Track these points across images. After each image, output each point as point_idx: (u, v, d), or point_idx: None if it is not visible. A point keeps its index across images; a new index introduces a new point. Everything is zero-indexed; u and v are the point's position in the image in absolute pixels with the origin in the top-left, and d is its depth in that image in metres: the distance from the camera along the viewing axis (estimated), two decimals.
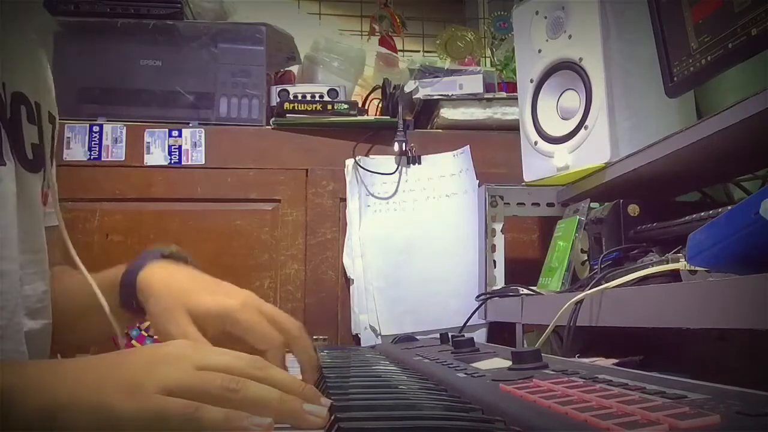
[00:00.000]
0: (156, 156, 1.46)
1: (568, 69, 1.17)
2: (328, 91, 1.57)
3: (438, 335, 0.98)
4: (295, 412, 0.49)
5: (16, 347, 0.67)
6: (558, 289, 1.13)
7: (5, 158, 0.65)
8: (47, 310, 0.73)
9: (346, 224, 1.48)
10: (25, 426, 0.44)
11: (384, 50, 1.88)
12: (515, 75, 1.41)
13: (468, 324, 1.29)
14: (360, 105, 1.58)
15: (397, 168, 1.50)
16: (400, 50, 2.01)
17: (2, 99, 0.66)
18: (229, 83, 1.51)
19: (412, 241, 1.47)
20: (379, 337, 1.40)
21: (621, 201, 1.05)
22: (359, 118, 1.51)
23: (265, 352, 0.66)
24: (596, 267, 0.99)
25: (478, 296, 1.31)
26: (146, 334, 1.23)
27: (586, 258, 1.15)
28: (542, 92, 1.22)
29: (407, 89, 1.55)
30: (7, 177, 0.65)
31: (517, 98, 1.31)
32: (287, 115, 1.49)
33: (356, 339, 1.43)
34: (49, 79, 0.79)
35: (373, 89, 1.66)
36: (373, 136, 1.52)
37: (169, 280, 0.73)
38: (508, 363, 0.59)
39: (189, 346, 0.54)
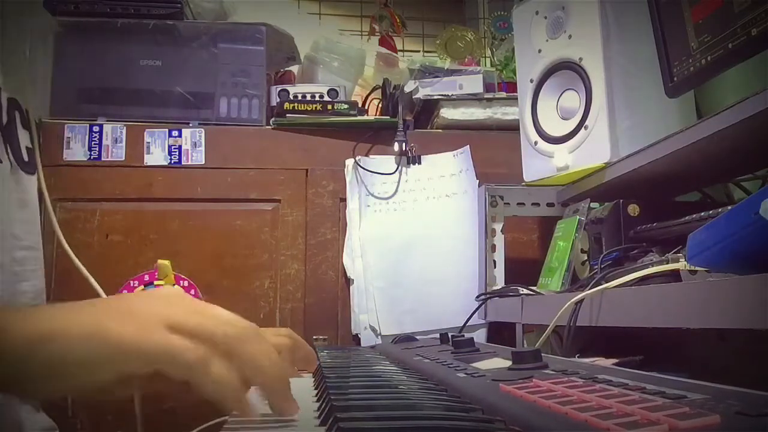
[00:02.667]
0: (156, 156, 1.46)
1: (568, 69, 1.17)
2: (328, 91, 1.57)
3: (438, 335, 0.98)
4: (283, 387, 0.48)
5: None
6: (558, 289, 1.13)
7: (1, 157, 0.67)
8: None
9: (346, 224, 1.48)
10: (14, 354, 0.39)
11: (384, 50, 1.88)
12: (515, 75, 1.41)
13: (468, 324, 1.29)
14: (360, 105, 1.58)
15: (397, 168, 1.50)
16: (400, 50, 2.01)
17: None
18: (229, 83, 1.51)
19: (412, 241, 1.47)
20: (379, 337, 1.40)
21: (621, 201, 1.05)
22: (359, 118, 1.51)
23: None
24: (596, 267, 0.99)
25: (478, 296, 1.31)
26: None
27: (586, 258, 1.15)
28: (542, 92, 1.22)
29: (407, 89, 1.55)
30: (4, 174, 0.67)
31: (517, 98, 1.31)
32: (287, 115, 1.49)
33: (356, 339, 1.43)
34: (35, 82, 0.80)
35: (373, 89, 1.66)
36: (373, 136, 1.52)
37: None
38: (508, 363, 0.59)
39: (190, 295, 0.51)
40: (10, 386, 0.41)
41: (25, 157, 0.73)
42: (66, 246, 0.77)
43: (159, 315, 0.43)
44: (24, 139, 0.74)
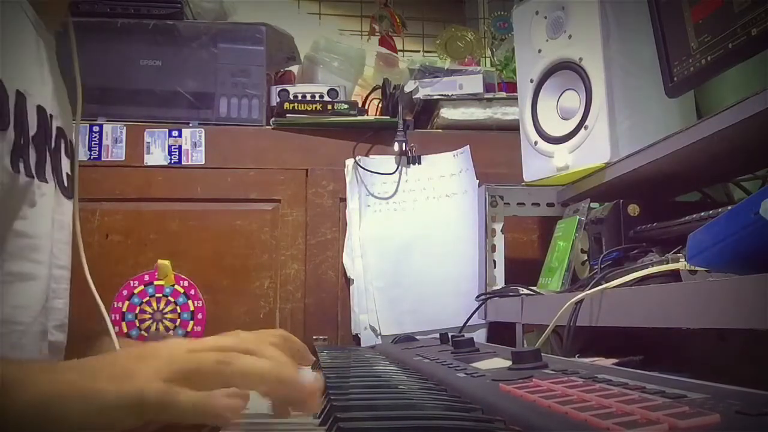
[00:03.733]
0: (156, 156, 1.46)
1: (568, 69, 1.17)
2: (328, 91, 1.57)
3: (438, 335, 0.98)
4: (290, 379, 0.51)
5: (36, 350, 0.71)
6: (558, 289, 1.13)
7: (47, 177, 0.73)
8: (66, 328, 0.77)
9: (346, 224, 1.48)
10: (21, 418, 0.45)
11: (384, 50, 1.88)
12: (515, 75, 1.41)
13: (468, 324, 1.29)
14: (360, 105, 1.58)
15: (397, 168, 1.50)
16: (400, 50, 2.01)
17: (50, 130, 0.74)
18: (229, 83, 1.51)
19: (412, 241, 1.47)
20: (379, 337, 1.40)
21: (621, 201, 1.05)
22: (359, 118, 1.51)
23: None
24: (596, 267, 0.99)
25: (478, 296, 1.31)
26: (145, 334, 1.23)
27: (586, 258, 1.15)
28: (542, 92, 1.22)
29: (407, 89, 1.55)
30: (48, 193, 0.72)
31: (517, 98, 1.31)
32: (287, 115, 1.49)
33: (356, 339, 1.43)
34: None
35: (373, 89, 1.66)
36: (373, 136, 1.52)
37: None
38: (508, 363, 0.59)
39: (182, 340, 0.57)
40: None
41: (65, 183, 0.79)
42: (85, 267, 0.81)
43: (149, 370, 0.48)
44: (65, 165, 0.79)
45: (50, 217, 0.73)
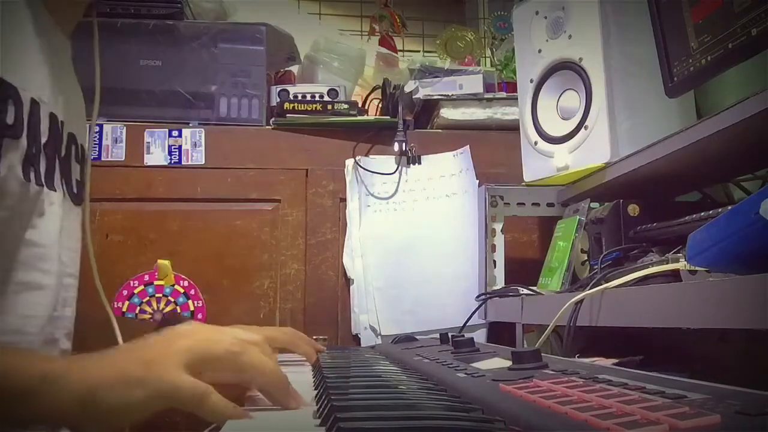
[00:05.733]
0: (156, 156, 1.46)
1: (568, 69, 1.17)
2: (328, 91, 1.57)
3: (438, 335, 0.98)
4: (284, 385, 0.58)
5: None
6: (558, 289, 1.13)
7: (56, 186, 0.73)
8: (71, 336, 0.78)
9: (346, 224, 1.48)
10: (70, 407, 0.51)
11: (384, 50, 1.88)
12: (515, 75, 1.41)
13: (468, 324, 1.29)
14: (360, 105, 1.58)
15: (397, 168, 1.50)
16: (400, 50, 2.01)
17: (61, 136, 0.74)
18: (229, 83, 1.51)
19: (412, 241, 1.47)
20: (379, 337, 1.40)
21: (621, 201, 1.05)
22: (359, 118, 1.51)
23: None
24: (596, 267, 0.99)
25: (478, 296, 1.31)
26: (158, 318, 1.23)
27: (586, 258, 1.15)
28: (542, 92, 1.22)
29: (407, 89, 1.55)
30: (57, 201, 0.73)
31: (517, 98, 1.31)
32: (287, 115, 1.48)
33: (356, 339, 1.43)
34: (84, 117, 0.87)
35: (373, 89, 1.66)
36: (373, 136, 1.52)
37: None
38: (508, 363, 0.59)
39: (201, 325, 0.63)
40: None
41: (75, 189, 0.79)
42: (95, 272, 0.81)
43: (172, 355, 0.54)
44: (75, 172, 0.80)
45: (59, 226, 0.73)
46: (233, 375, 0.57)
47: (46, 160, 0.70)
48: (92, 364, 0.54)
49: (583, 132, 1.12)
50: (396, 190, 1.50)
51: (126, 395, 0.51)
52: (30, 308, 0.68)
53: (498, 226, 1.36)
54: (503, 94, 1.54)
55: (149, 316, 1.23)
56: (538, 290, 1.17)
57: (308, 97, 1.55)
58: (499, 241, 1.35)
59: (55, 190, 0.73)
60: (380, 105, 1.61)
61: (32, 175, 0.67)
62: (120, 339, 0.81)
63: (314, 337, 1.40)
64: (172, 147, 1.46)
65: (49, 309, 0.71)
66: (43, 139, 0.69)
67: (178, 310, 1.24)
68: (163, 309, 1.24)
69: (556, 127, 1.19)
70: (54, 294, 0.72)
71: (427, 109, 1.57)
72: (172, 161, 1.46)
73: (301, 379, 0.79)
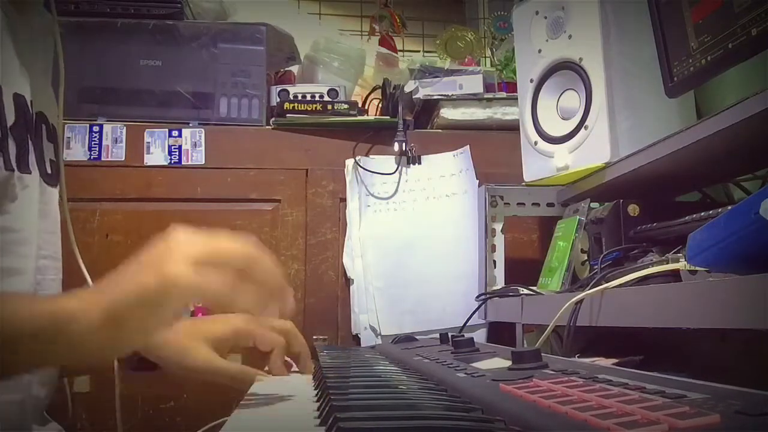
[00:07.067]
0: (156, 156, 1.46)
1: (568, 69, 1.17)
2: (328, 91, 1.57)
3: (438, 335, 0.98)
4: (289, 295, 0.58)
5: None
6: (558, 289, 1.13)
7: (30, 167, 0.71)
8: None
9: (346, 224, 1.48)
10: (96, 334, 0.50)
11: (384, 50, 1.88)
12: (515, 75, 1.41)
13: (468, 324, 1.29)
14: (360, 105, 1.58)
15: (397, 168, 1.50)
16: (400, 50, 2.01)
17: (30, 117, 0.72)
18: (229, 83, 1.51)
19: (412, 241, 1.47)
20: (379, 337, 1.40)
21: (621, 201, 1.05)
22: (359, 118, 1.51)
23: (272, 352, 0.79)
24: (596, 267, 0.99)
25: (478, 296, 1.31)
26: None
27: (586, 258, 1.15)
28: (542, 92, 1.22)
29: (407, 89, 1.55)
30: (32, 184, 0.71)
31: (517, 98, 1.31)
32: (287, 115, 1.49)
33: (356, 339, 1.43)
34: (53, 96, 0.84)
35: (373, 89, 1.66)
36: (373, 136, 1.52)
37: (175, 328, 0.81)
38: (508, 363, 0.59)
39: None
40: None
41: (49, 170, 0.77)
42: (80, 260, 0.81)
43: (179, 255, 0.52)
44: (49, 151, 0.77)
45: (35, 209, 0.72)
46: (238, 272, 0.55)
47: (16, 142, 0.68)
48: (107, 287, 0.53)
49: (583, 132, 1.12)
50: (396, 190, 1.50)
51: (140, 303, 0.51)
52: None
53: (498, 226, 1.36)
54: (503, 94, 1.54)
55: None
56: (538, 290, 1.17)
57: (308, 97, 1.55)
58: (499, 241, 1.35)
59: (30, 172, 0.71)
60: (380, 105, 1.61)
61: (0, 160, 0.65)
62: None
63: (314, 336, 1.41)
64: (172, 147, 1.46)
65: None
66: (10, 122, 0.67)
67: None
68: None
69: (556, 127, 1.19)
70: (32, 278, 0.71)
71: (427, 109, 1.57)
72: (172, 161, 1.46)
73: (301, 379, 0.79)
